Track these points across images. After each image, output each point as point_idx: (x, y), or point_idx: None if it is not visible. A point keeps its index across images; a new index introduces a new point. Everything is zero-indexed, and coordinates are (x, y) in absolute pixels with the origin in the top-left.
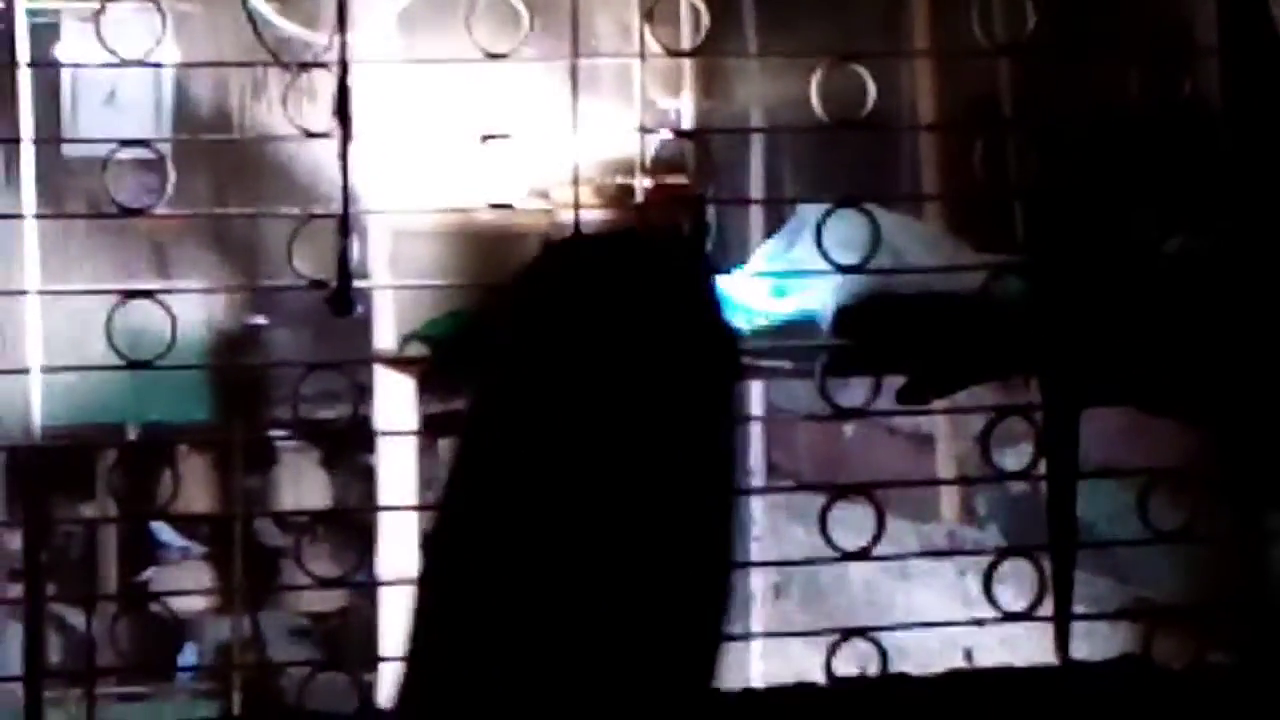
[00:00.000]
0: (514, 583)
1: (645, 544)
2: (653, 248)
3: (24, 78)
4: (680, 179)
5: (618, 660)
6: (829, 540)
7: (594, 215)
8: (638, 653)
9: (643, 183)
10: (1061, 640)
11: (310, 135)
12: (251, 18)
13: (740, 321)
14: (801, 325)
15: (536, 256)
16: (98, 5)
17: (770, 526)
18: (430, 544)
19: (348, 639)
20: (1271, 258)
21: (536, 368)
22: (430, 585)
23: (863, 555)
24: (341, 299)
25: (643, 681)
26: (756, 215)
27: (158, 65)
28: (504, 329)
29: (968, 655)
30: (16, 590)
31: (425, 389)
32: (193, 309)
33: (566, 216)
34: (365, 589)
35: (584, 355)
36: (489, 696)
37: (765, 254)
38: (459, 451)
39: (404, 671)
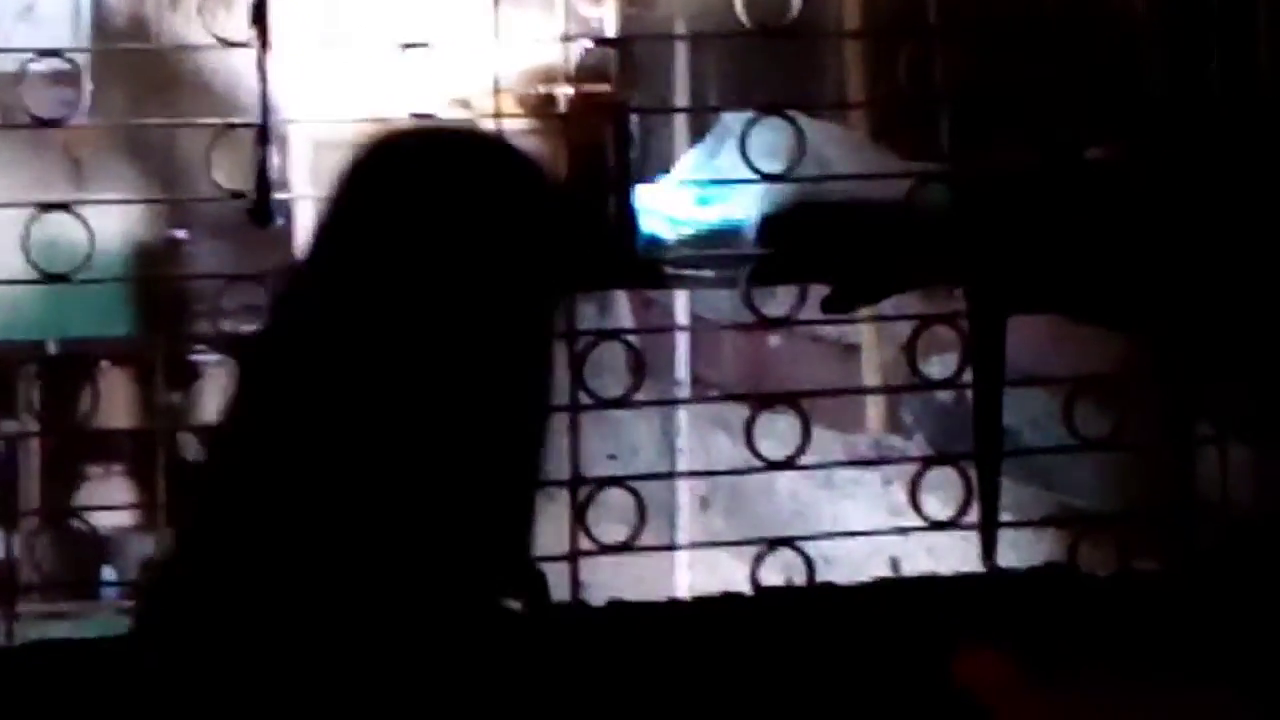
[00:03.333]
0: (313, 458)
1: (445, 443)
2: (494, 155)
3: None
4: (604, 87)
5: (412, 559)
6: (755, 450)
7: (516, 124)
8: (431, 552)
9: (566, 91)
10: (987, 548)
11: (228, 45)
12: None
13: (664, 231)
14: (726, 234)
15: (377, 142)
16: None
17: (696, 437)
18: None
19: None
20: (1192, 164)
21: (356, 253)
22: (228, 451)
23: (788, 465)
24: (261, 210)
25: (435, 579)
26: (681, 124)
27: None
28: (331, 207)
29: (894, 564)
30: None
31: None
32: (111, 222)
33: (489, 125)
34: None
35: (405, 246)
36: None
37: (689, 163)
38: (266, 328)
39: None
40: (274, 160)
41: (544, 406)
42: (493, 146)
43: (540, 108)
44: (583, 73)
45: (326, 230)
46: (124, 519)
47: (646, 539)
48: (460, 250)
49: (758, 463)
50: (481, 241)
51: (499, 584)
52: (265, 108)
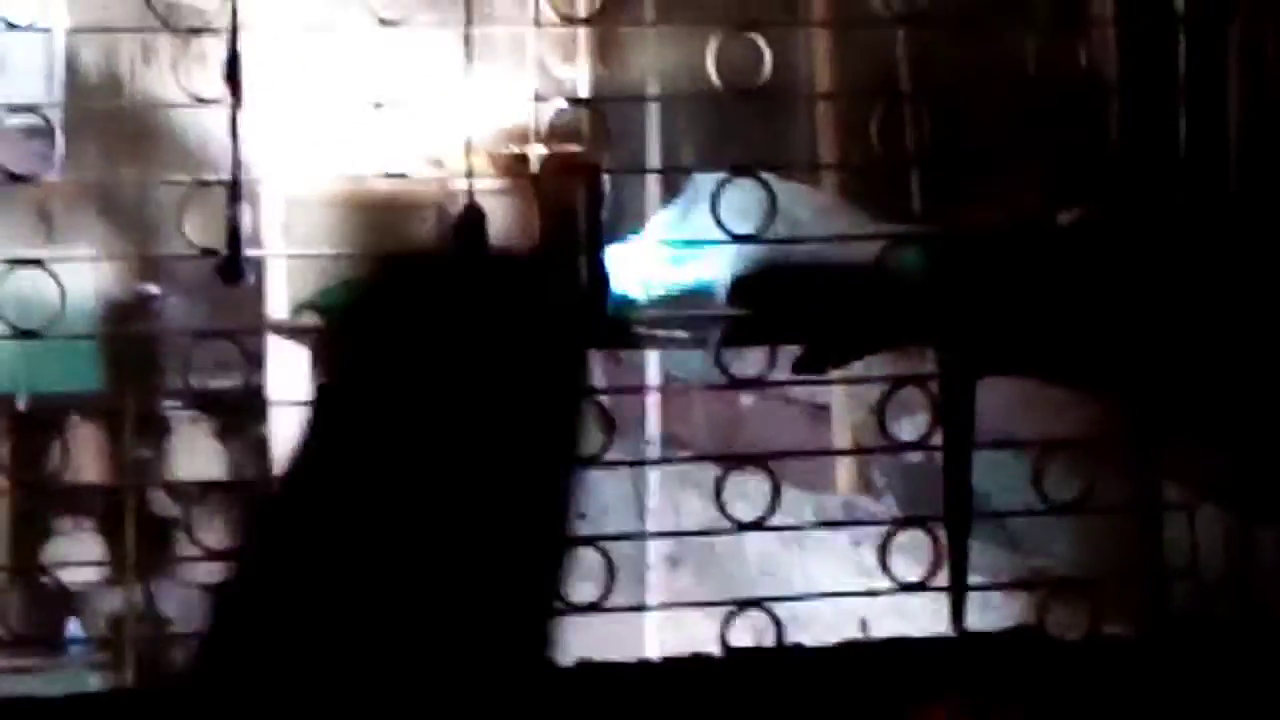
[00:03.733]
0: (348, 543)
1: (476, 494)
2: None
3: None
4: (576, 147)
5: (450, 631)
6: (724, 511)
7: (489, 184)
8: (470, 621)
9: (538, 151)
10: (956, 611)
11: (201, 102)
12: None
13: (637, 291)
14: (697, 295)
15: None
16: None
17: (666, 497)
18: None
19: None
20: (1165, 229)
21: (387, 355)
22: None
23: (758, 526)
24: (231, 267)
25: (473, 650)
26: (653, 184)
27: (46, 30)
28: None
29: (863, 626)
30: None
31: (319, 359)
32: (83, 278)
33: (461, 185)
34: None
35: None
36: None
37: (661, 223)
38: (309, 419)
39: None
40: (245, 217)
41: (576, 471)
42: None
43: (513, 167)
44: (555, 133)
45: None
46: (92, 574)
47: (616, 599)
48: (490, 308)
49: (728, 523)
50: (511, 299)
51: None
52: (237, 164)
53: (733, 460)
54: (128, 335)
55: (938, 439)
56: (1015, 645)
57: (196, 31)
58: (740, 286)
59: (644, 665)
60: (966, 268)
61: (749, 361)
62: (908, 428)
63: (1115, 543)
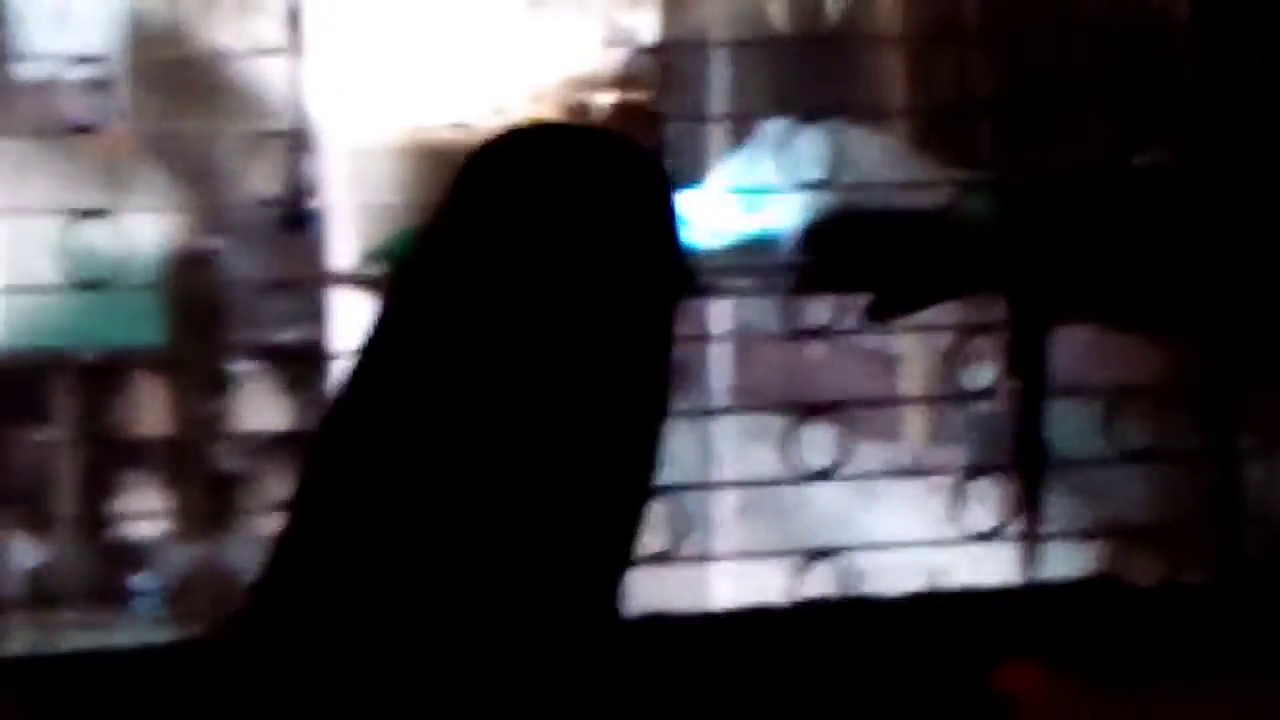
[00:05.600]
0: (416, 473)
1: (558, 449)
2: (621, 151)
3: None
4: (642, 95)
5: (519, 571)
6: (794, 461)
7: None
8: (540, 565)
9: (604, 99)
10: (1030, 560)
11: (263, 52)
12: None
13: (704, 240)
14: (765, 243)
15: (500, 135)
16: None
17: (734, 447)
18: (330, 428)
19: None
20: (1238, 172)
21: (468, 253)
22: (324, 466)
23: (827, 475)
24: (294, 216)
25: (541, 595)
26: (720, 132)
27: None
28: (446, 204)
29: (934, 575)
30: None
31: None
32: (146, 229)
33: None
34: None
35: (521, 246)
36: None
37: (729, 171)
38: (375, 326)
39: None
40: (309, 168)
41: (660, 423)
42: (617, 144)
43: (578, 115)
44: (621, 80)
45: (444, 225)
46: (157, 528)
47: (685, 550)
48: (582, 250)
49: (797, 473)
50: (604, 242)
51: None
52: (299, 114)
53: (802, 410)
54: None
55: (1008, 388)
56: (1090, 594)
57: None
58: (808, 234)
59: (712, 616)
60: (1037, 214)
61: (818, 310)
62: (978, 376)
63: (1190, 490)
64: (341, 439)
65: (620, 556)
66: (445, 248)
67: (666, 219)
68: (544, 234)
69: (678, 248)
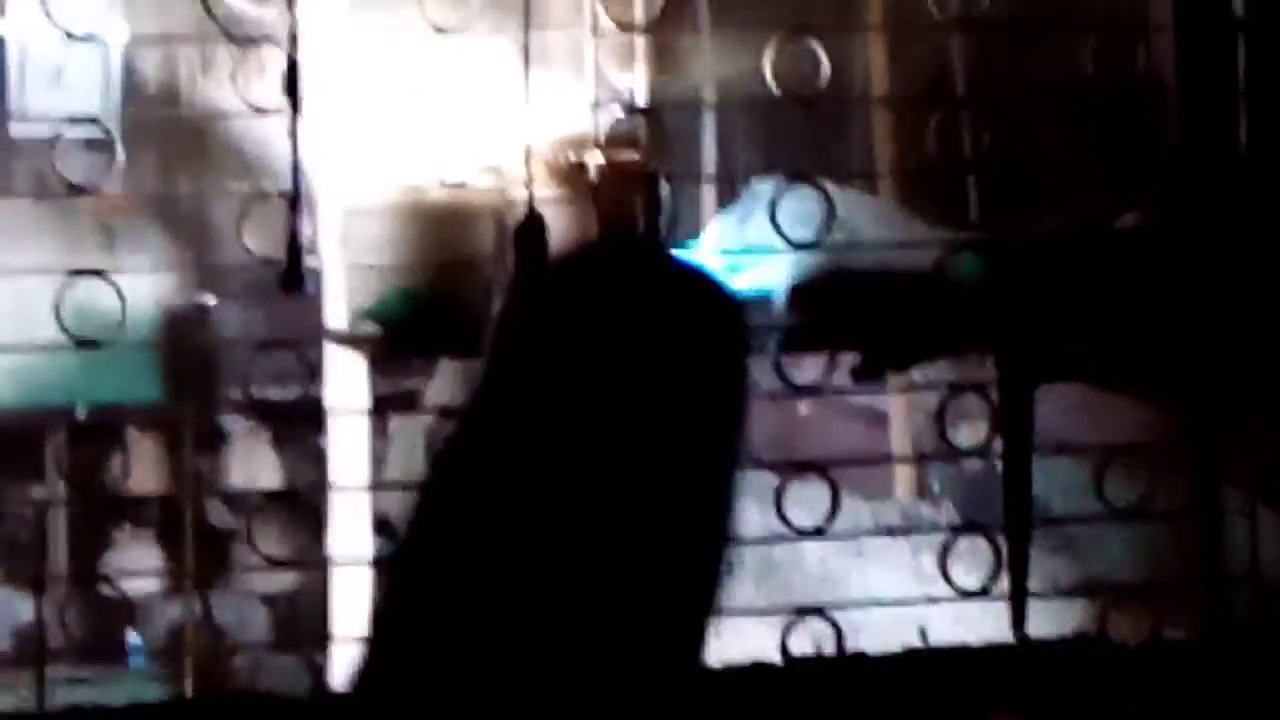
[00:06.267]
0: (507, 559)
1: (641, 527)
2: (665, 261)
3: None
4: (633, 155)
5: (604, 642)
6: (784, 518)
7: (547, 192)
8: (624, 635)
9: (596, 159)
10: (1017, 618)
11: (260, 112)
12: None
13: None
14: (756, 302)
15: (556, 263)
16: None
17: None
18: (418, 519)
19: (299, 620)
20: (1224, 233)
21: (550, 364)
22: (413, 556)
23: (817, 533)
24: (292, 276)
25: (628, 661)
26: (710, 191)
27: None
28: (521, 327)
29: (923, 633)
30: None
31: (377, 368)
32: (142, 288)
33: (520, 193)
34: (317, 569)
35: (598, 357)
36: (480, 665)
37: (719, 230)
38: (461, 428)
39: (376, 647)
40: (305, 227)
41: (728, 535)
42: (691, 274)
43: (571, 175)
44: (613, 140)
45: (531, 332)
46: (152, 584)
47: None
48: (659, 374)
49: (787, 531)
50: (679, 367)
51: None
52: (297, 174)
53: (792, 467)
54: (187, 345)
55: (997, 446)
56: (1077, 652)
57: (256, 42)
58: (798, 293)
59: (704, 673)
60: (1024, 274)
61: (808, 369)
62: (967, 434)
63: (1175, 549)
64: (443, 510)
65: (700, 616)
66: (528, 370)
67: (738, 354)
68: (614, 345)
69: (742, 375)
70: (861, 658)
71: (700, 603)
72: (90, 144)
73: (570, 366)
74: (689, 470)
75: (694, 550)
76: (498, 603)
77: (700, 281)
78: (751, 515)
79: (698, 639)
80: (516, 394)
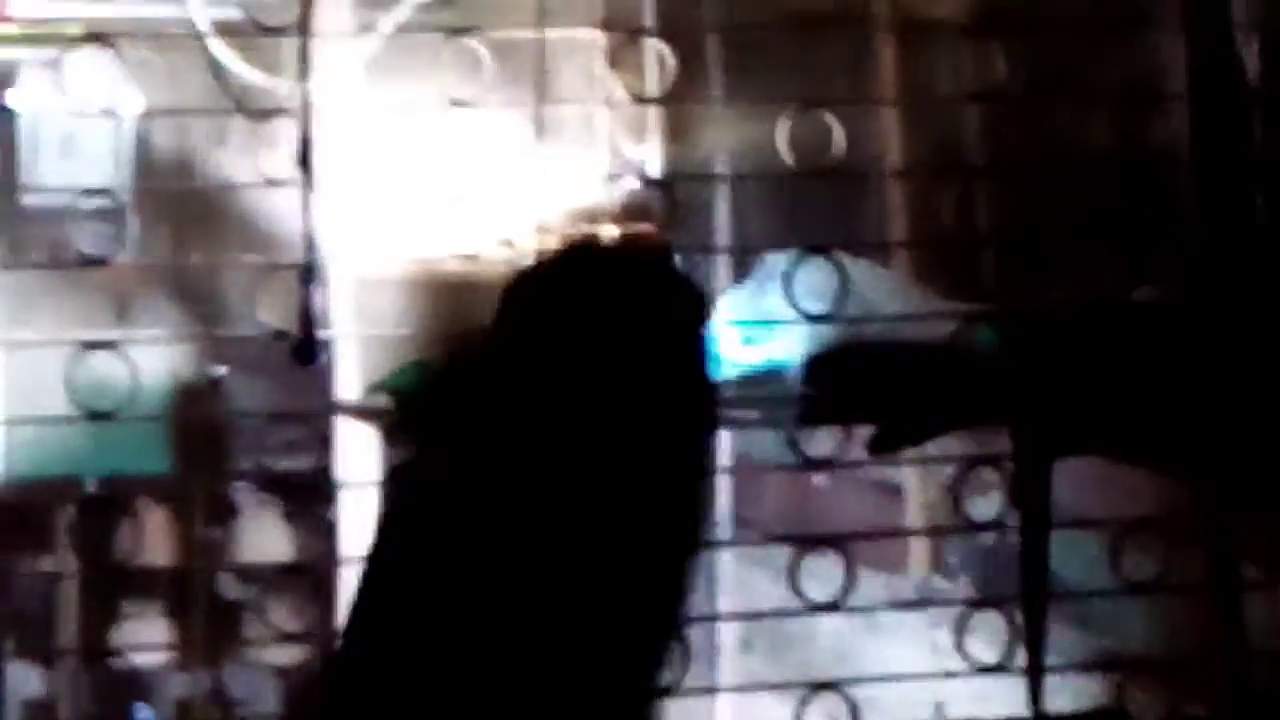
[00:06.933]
0: (477, 580)
1: (608, 551)
2: (660, 275)
3: None
4: (647, 227)
5: (568, 664)
6: (798, 592)
7: None
8: (587, 657)
9: (609, 230)
10: (1034, 693)
11: (273, 183)
12: (214, 65)
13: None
14: (770, 375)
15: (539, 264)
16: (56, 53)
17: (738, 578)
18: (382, 546)
19: (309, 693)
20: (1241, 306)
21: (522, 378)
22: (379, 583)
23: (832, 607)
24: (305, 349)
25: (586, 678)
26: (724, 263)
27: (116, 114)
28: (497, 323)
29: (939, 709)
30: None
31: (389, 440)
32: (154, 359)
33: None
34: (327, 643)
35: (569, 366)
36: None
37: (733, 303)
38: (424, 447)
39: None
40: (317, 299)
41: (695, 547)
42: (661, 269)
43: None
44: (626, 212)
45: (498, 345)
46: (162, 657)
47: (689, 682)
48: (624, 369)
49: (801, 605)
50: (644, 362)
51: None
52: (310, 246)
53: (806, 541)
54: (199, 417)
55: (1012, 519)
56: None
57: (269, 114)
58: (813, 366)
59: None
60: (1040, 346)
61: (822, 442)
62: (982, 508)
63: (1194, 623)
64: (395, 555)
65: (660, 645)
66: (499, 367)
67: (698, 343)
68: (588, 356)
69: (707, 370)
70: None
71: (664, 613)
72: (103, 215)
73: (538, 372)
74: (658, 469)
75: (659, 556)
76: (469, 609)
77: (660, 279)
78: (766, 589)
79: (660, 657)
80: (483, 401)
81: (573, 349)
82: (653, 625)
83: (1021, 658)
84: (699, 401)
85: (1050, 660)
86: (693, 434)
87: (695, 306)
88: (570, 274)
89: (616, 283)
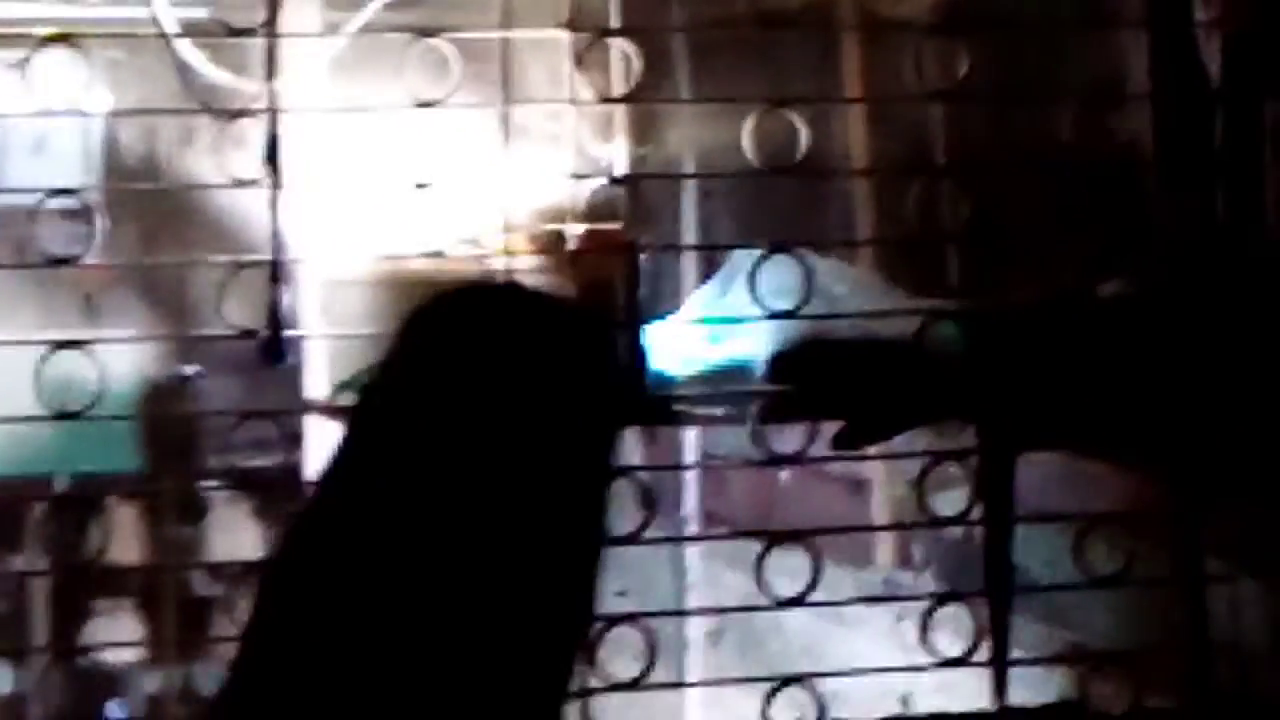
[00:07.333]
0: (365, 603)
1: (498, 580)
2: (548, 307)
3: None
4: (613, 226)
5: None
6: (765, 587)
7: (526, 262)
8: (481, 686)
9: (575, 230)
10: (999, 686)
11: (240, 184)
12: (181, 66)
13: (675, 369)
14: (736, 371)
15: (434, 299)
16: (24, 53)
17: (705, 573)
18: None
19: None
20: (1203, 302)
21: (417, 405)
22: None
23: (798, 602)
24: (273, 348)
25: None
26: (690, 261)
27: (85, 113)
28: (391, 361)
29: (904, 701)
30: None
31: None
32: (122, 359)
33: (499, 263)
34: None
35: (462, 401)
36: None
37: (699, 300)
38: (327, 472)
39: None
40: (285, 298)
41: (594, 575)
42: (550, 304)
43: (550, 246)
44: (592, 211)
45: (394, 376)
46: (133, 654)
47: (657, 676)
48: (517, 404)
49: (768, 599)
50: (536, 396)
51: None
52: (278, 246)
53: (773, 536)
54: (168, 416)
55: (978, 513)
56: (1058, 719)
57: (236, 114)
58: (779, 363)
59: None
60: (1005, 342)
61: (788, 438)
62: (947, 502)
63: (1157, 616)
64: (294, 575)
65: (556, 677)
66: (394, 399)
67: (594, 374)
68: (483, 390)
69: (608, 401)
70: None
71: (554, 661)
72: (72, 214)
73: (429, 415)
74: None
75: (549, 610)
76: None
77: (559, 321)
78: (733, 583)
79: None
80: (379, 445)
81: (458, 387)
82: (557, 631)
83: (986, 651)
84: (589, 448)
85: (1014, 653)
86: (585, 479)
87: (587, 345)
88: (460, 312)
89: (504, 322)
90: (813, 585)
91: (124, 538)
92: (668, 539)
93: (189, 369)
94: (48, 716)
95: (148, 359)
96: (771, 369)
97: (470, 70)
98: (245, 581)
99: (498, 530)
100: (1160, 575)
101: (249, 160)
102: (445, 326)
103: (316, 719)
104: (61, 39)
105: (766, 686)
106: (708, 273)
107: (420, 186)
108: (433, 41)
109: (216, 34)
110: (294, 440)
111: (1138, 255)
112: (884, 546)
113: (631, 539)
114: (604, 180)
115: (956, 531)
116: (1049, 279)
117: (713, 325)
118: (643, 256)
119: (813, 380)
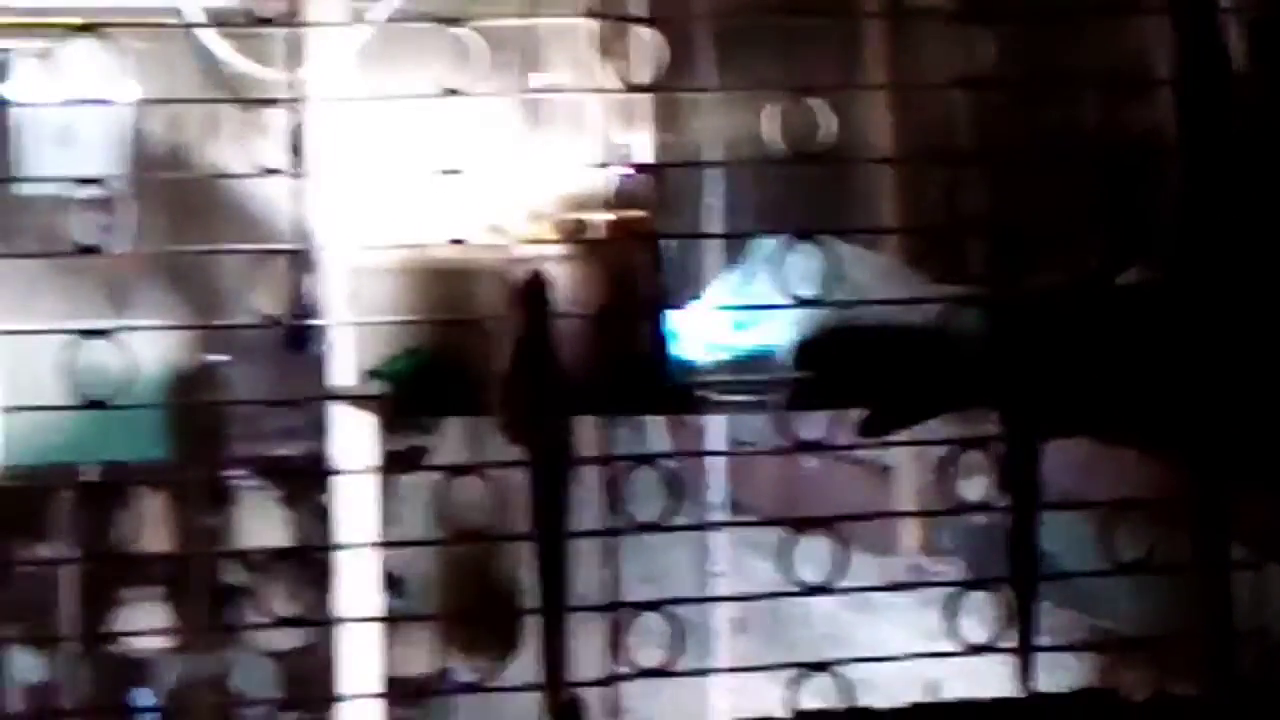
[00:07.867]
0: None
1: None
2: None
3: None
4: (637, 213)
5: None
6: (790, 574)
7: (551, 250)
8: None
9: (600, 217)
10: (1024, 672)
11: (266, 172)
12: (207, 55)
13: (700, 356)
14: (761, 359)
15: None
16: (50, 43)
17: (732, 561)
18: None
19: (307, 677)
20: (1226, 288)
21: None
22: None
23: (824, 589)
24: (298, 335)
25: None
26: (715, 249)
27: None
28: None
29: (931, 688)
30: None
31: (385, 426)
32: (150, 347)
33: (524, 251)
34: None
35: None
36: None
37: (724, 288)
38: None
39: None
40: (312, 286)
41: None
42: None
43: (575, 233)
44: (617, 199)
45: None
46: (160, 642)
47: (683, 663)
48: None
49: (794, 586)
50: None
51: None
52: (303, 234)
53: (799, 523)
54: (195, 404)
55: (1003, 500)
56: (1083, 706)
57: (262, 103)
58: (803, 350)
59: None
60: (1029, 329)
61: (813, 425)
62: (973, 489)
63: (1182, 603)
64: None
65: None
66: None
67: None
68: None
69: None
70: (870, 713)
71: None
72: (99, 204)
73: None
74: None
75: None
76: None
77: None
78: (758, 570)
79: None
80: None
81: None
82: None
83: (1012, 637)
84: None
85: (1040, 640)
86: None
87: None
88: None
89: None
90: (839, 572)
91: (151, 526)
92: (694, 526)
93: (216, 357)
94: (76, 704)
95: (175, 348)
96: (796, 356)
97: (495, 58)
98: (271, 569)
99: None
100: (1185, 562)
101: (275, 149)
102: None
103: None
104: (88, 29)
105: (792, 673)
106: (732, 260)
107: (449, 173)
108: (458, 30)
109: (243, 23)
110: (320, 428)
111: (1161, 242)
112: (910, 534)
113: (658, 527)
114: (629, 168)
115: (982, 518)
116: (1072, 266)
117: (738, 313)
118: (667, 243)
119: (837, 367)
